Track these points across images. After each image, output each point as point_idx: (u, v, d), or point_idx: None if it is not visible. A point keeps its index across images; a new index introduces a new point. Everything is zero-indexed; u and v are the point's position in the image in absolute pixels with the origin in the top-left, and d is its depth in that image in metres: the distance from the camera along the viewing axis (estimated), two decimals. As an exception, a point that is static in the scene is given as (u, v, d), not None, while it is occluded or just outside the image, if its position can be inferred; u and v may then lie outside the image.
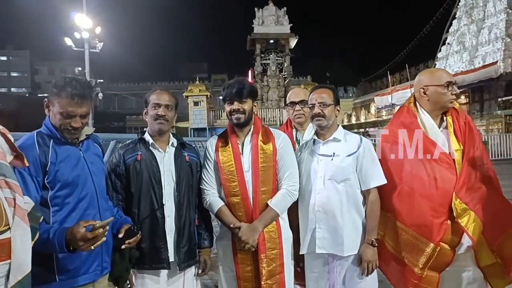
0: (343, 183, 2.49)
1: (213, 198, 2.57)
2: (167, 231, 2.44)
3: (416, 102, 2.61)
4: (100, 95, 23.52)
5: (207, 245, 2.65)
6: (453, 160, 2.42)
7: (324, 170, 2.53)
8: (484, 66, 23.65)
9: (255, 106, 2.63)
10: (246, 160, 2.55)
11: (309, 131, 3.08)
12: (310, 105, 2.61)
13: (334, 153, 2.53)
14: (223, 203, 2.55)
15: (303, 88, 3.62)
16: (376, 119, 33.57)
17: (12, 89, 66.34)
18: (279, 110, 28.70)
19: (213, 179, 2.60)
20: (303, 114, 3.07)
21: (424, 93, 2.54)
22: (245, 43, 33.03)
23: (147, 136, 2.53)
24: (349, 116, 40.36)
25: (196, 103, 27.88)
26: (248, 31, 31.96)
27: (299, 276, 2.73)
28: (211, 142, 2.66)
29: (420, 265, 2.40)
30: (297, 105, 3.09)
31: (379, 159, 2.59)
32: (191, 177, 2.58)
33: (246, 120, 2.56)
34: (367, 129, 33.67)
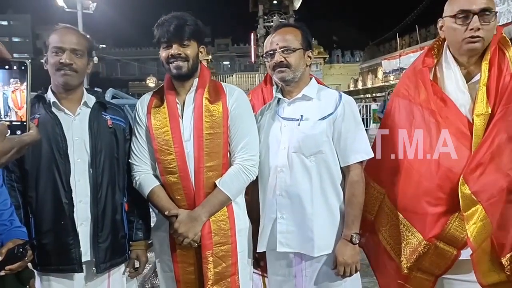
0: (313, 157, 1.82)
1: (144, 176, 1.93)
2: (79, 221, 1.82)
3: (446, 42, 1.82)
4: (96, 59, 22.66)
5: (140, 237, 2.01)
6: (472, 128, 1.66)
7: (289, 140, 1.86)
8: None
9: (201, 52, 1.94)
10: (187, 125, 1.88)
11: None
12: (270, 51, 1.91)
13: (302, 116, 1.85)
14: (158, 183, 1.92)
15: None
16: (383, 84, 32.35)
17: (14, 54, 65.21)
18: (283, 75, 27.76)
19: (145, 151, 1.95)
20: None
21: (441, 28, 1.77)
22: (247, 5, 31.69)
23: (49, 94, 1.86)
24: (356, 81, 39.12)
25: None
26: (250, -9, 30.56)
27: (265, 268, 2.12)
28: (142, 101, 1.99)
29: (407, 262, 1.78)
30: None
31: (386, 117, 1.93)
32: (115, 147, 1.93)
33: (190, 71, 1.88)
34: (373, 94, 32.64)
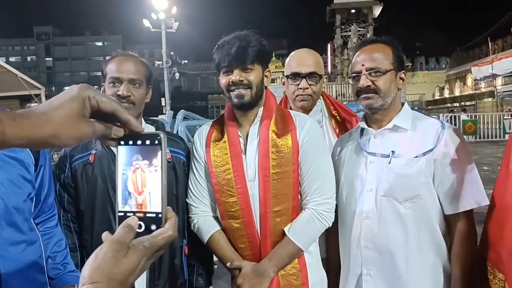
0: (409, 203, 1.48)
1: (203, 219, 1.71)
2: (134, 268, 1.64)
3: None
4: (177, 75, 23.74)
5: (202, 284, 1.81)
6: None
7: (377, 180, 1.54)
8: None
9: (266, 77, 1.68)
10: (251, 163, 1.63)
11: (315, 117, 2.00)
12: (353, 74, 1.60)
13: (393, 152, 1.52)
14: (218, 228, 1.69)
15: (314, 52, 2.11)
16: (474, 91, 29.96)
17: (108, 72, 71.14)
18: (361, 85, 26.96)
19: (203, 190, 1.72)
20: (311, 96, 1.98)
21: None
22: (324, 16, 31.29)
23: None
24: (441, 89, 36.72)
25: (272, 80, 26.96)
26: (327, 2, 30.20)
27: None
28: (201, 133, 1.77)
29: None
30: (304, 79, 1.98)
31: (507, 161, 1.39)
32: (174, 184, 1.74)
33: (253, 99, 1.62)
34: (462, 103, 30.37)
